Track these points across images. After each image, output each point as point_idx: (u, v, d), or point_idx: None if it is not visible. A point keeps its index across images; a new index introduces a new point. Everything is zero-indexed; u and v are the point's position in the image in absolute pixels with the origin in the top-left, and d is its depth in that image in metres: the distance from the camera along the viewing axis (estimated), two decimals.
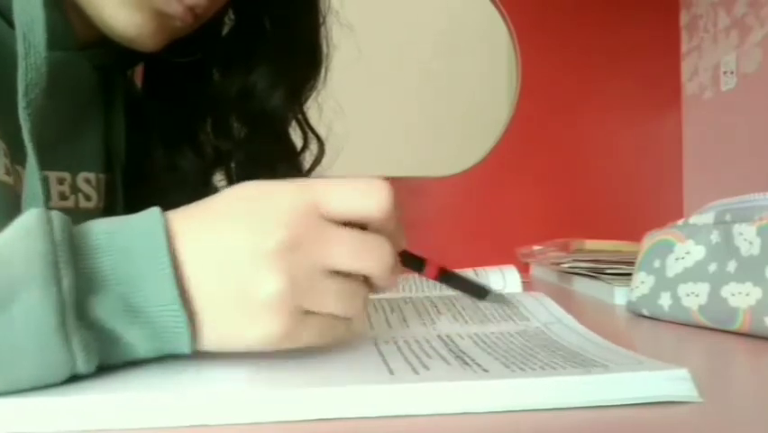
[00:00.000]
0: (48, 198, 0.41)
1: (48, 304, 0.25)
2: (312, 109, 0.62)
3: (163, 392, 0.25)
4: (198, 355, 0.29)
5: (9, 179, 0.41)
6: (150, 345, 0.28)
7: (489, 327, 0.38)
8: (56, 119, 0.44)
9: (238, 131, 0.58)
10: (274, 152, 0.60)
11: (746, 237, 0.40)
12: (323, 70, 0.60)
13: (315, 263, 0.28)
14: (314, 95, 0.60)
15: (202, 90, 0.56)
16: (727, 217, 0.43)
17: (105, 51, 0.48)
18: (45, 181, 0.40)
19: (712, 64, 0.99)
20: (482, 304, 0.42)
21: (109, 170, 0.52)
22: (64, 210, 0.29)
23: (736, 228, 0.41)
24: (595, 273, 0.62)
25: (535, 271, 0.90)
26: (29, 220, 0.27)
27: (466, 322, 0.39)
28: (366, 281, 0.31)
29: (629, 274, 0.52)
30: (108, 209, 0.51)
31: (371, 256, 0.29)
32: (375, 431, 0.24)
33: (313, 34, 0.58)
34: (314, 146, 0.61)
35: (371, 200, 0.29)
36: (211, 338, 0.29)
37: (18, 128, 0.38)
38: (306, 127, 0.61)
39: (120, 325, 0.27)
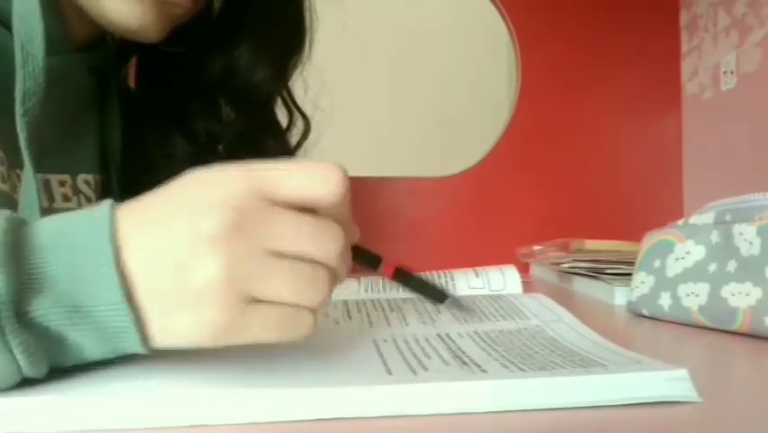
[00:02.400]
0: (41, 204, 0.40)
1: None
2: (298, 89, 0.62)
3: (163, 392, 0.25)
4: (195, 355, 0.29)
5: (5, 187, 0.41)
6: (99, 347, 0.27)
7: (488, 326, 0.38)
8: (54, 122, 0.44)
9: (226, 112, 0.58)
10: (260, 131, 0.59)
11: (746, 237, 0.40)
12: (307, 44, 0.59)
13: (260, 247, 0.26)
14: (299, 69, 0.59)
15: (192, 75, 0.56)
16: (727, 217, 0.43)
17: (100, 52, 0.49)
18: (40, 189, 0.40)
19: (712, 64, 0.99)
20: (482, 305, 0.42)
21: (105, 171, 0.52)
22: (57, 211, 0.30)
23: (736, 228, 0.41)
24: (595, 273, 0.62)
25: (535, 271, 0.90)
26: None
27: (465, 321, 0.39)
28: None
29: (629, 274, 0.52)
30: None
31: (320, 239, 0.28)
32: (373, 431, 0.23)
33: (295, 7, 0.57)
34: (300, 123, 0.61)
35: (322, 185, 0.28)
36: (161, 335, 0.27)
37: (17, 133, 0.38)
38: (291, 105, 0.61)
39: (65, 325, 0.26)
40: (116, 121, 0.53)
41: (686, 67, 1.07)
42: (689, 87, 1.06)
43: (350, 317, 0.38)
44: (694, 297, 0.43)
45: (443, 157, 1.26)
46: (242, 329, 0.27)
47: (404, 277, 0.34)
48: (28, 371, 0.26)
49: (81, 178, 0.49)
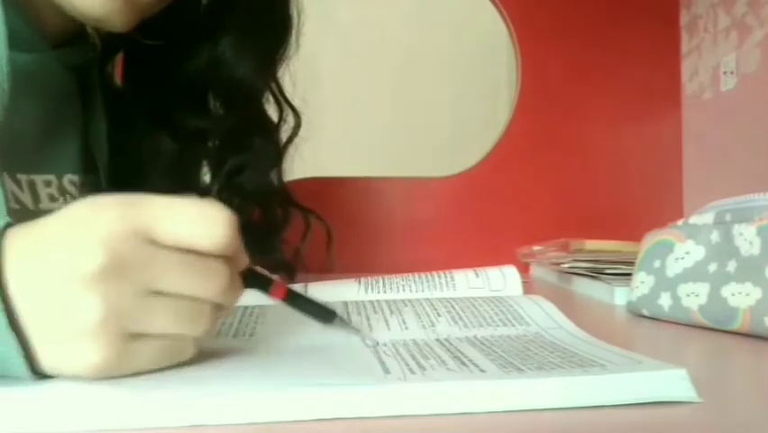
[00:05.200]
0: (9, 206, 0.39)
1: None
2: (289, 85, 0.62)
3: (162, 392, 0.25)
4: (196, 356, 0.30)
5: None
6: None
7: (487, 331, 0.38)
8: (36, 121, 0.44)
9: (215, 108, 0.58)
10: (249, 126, 0.59)
11: (746, 237, 0.40)
12: (293, 38, 0.59)
13: (139, 287, 0.27)
14: (285, 64, 0.59)
15: (177, 70, 0.56)
16: (727, 217, 0.43)
17: (79, 49, 0.48)
18: (9, 192, 0.39)
19: (712, 64, 0.99)
20: (481, 309, 0.42)
21: (92, 171, 0.52)
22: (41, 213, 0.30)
23: (736, 228, 0.41)
24: (595, 273, 0.62)
25: (535, 271, 0.90)
26: None
27: (465, 325, 0.39)
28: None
29: (629, 274, 0.52)
30: None
31: (203, 278, 0.28)
32: (371, 431, 0.23)
33: (280, 1, 0.57)
34: (291, 119, 0.61)
35: (204, 230, 0.28)
36: (47, 363, 0.27)
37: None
38: (281, 100, 0.60)
39: None
40: (101, 118, 0.52)
41: (686, 67, 1.07)
42: (689, 87, 1.06)
43: (350, 319, 0.38)
44: (694, 297, 0.43)
45: (442, 157, 1.26)
46: (125, 363, 0.27)
47: (294, 299, 0.34)
48: None
49: (67, 178, 0.49)
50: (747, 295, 0.39)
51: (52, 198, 0.46)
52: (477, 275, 0.55)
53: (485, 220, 1.03)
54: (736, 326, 0.39)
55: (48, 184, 0.47)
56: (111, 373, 0.27)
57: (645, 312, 0.48)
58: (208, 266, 0.28)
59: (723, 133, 0.96)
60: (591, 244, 0.69)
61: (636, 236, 0.53)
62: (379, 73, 1.49)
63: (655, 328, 0.44)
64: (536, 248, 0.85)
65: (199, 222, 0.28)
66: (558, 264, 0.74)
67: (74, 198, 0.48)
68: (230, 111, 0.58)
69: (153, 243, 0.27)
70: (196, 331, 0.28)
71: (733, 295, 0.40)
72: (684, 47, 1.07)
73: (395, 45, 1.53)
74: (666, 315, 0.45)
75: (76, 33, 0.46)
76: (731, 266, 0.41)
